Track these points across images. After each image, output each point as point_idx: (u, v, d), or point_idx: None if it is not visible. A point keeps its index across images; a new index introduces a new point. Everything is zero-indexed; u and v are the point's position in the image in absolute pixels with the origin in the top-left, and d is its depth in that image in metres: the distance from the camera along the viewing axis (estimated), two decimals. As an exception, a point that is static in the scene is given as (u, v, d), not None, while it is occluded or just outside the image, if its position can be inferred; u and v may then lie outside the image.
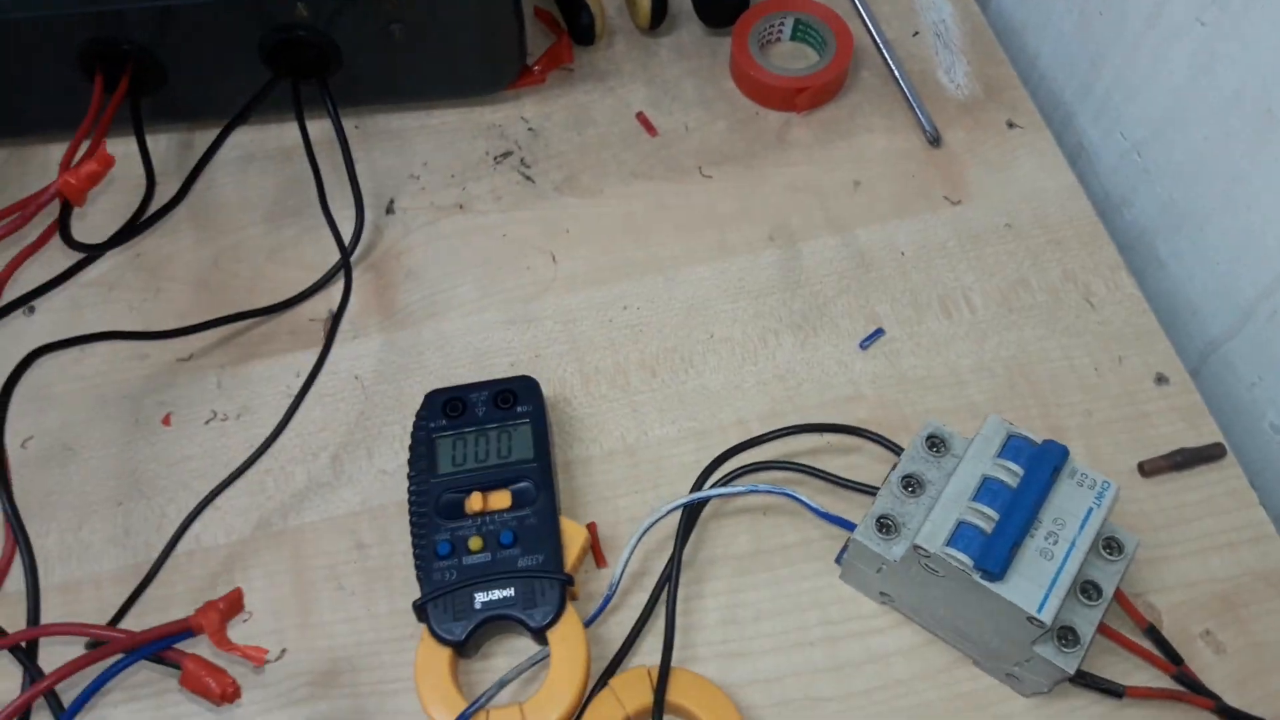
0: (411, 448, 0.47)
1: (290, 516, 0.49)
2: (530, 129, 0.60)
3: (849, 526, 0.44)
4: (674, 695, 0.43)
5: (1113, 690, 0.42)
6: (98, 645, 0.41)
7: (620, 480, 0.49)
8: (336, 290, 0.54)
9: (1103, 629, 0.42)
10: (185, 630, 0.39)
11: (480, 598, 0.43)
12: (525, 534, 0.45)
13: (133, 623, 0.46)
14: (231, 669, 0.40)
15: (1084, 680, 0.42)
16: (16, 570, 0.44)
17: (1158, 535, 0.47)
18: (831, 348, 0.52)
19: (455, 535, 0.45)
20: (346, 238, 0.54)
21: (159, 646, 0.39)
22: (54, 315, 0.55)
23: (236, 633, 0.45)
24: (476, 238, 0.57)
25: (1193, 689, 0.43)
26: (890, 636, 0.45)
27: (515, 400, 0.48)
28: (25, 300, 0.51)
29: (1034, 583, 0.39)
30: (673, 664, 0.43)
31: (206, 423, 0.51)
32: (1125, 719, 0.43)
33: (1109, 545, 0.42)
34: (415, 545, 0.45)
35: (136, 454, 0.51)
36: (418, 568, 0.44)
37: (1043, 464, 0.40)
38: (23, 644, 0.42)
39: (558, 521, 0.45)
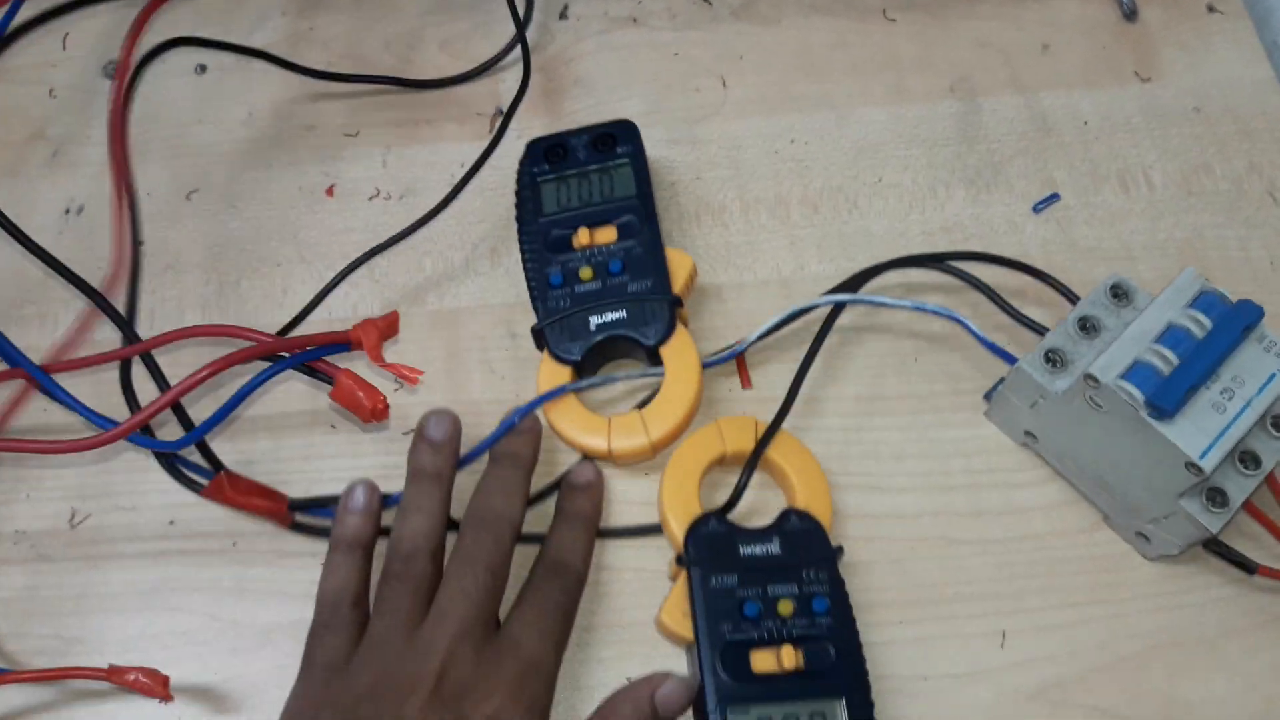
0: (518, 193, 0.48)
1: (446, 298, 0.49)
2: (711, -50, 0.58)
3: (1010, 359, 0.44)
4: (774, 451, 0.44)
5: (1245, 565, 0.42)
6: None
7: (771, 309, 0.49)
8: (505, 84, 0.54)
9: (1247, 506, 0.41)
10: (344, 342, 0.38)
11: (594, 320, 0.45)
12: (633, 262, 0.46)
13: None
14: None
15: (1217, 549, 0.42)
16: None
17: (1316, 433, 0.46)
18: (1003, 206, 0.51)
19: (566, 267, 0.46)
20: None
21: (317, 354, 0.39)
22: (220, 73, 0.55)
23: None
24: (648, 53, 0.56)
25: (1331, 580, 0.42)
26: (1032, 492, 0.45)
27: (614, 143, 0.49)
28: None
29: (1201, 430, 0.38)
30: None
31: (370, 199, 0.52)
32: (1248, 602, 0.43)
33: (1277, 422, 0.41)
34: (529, 280, 0.46)
35: (299, 219, 0.51)
36: (533, 299, 0.46)
37: (1235, 320, 0.39)
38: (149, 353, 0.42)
39: (663, 250, 0.46)
